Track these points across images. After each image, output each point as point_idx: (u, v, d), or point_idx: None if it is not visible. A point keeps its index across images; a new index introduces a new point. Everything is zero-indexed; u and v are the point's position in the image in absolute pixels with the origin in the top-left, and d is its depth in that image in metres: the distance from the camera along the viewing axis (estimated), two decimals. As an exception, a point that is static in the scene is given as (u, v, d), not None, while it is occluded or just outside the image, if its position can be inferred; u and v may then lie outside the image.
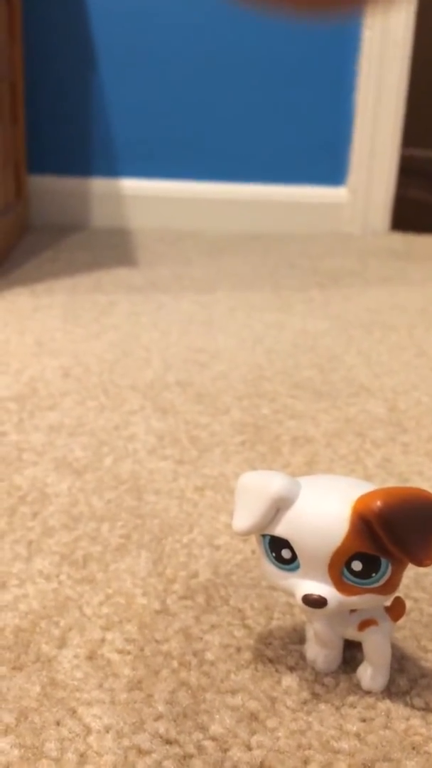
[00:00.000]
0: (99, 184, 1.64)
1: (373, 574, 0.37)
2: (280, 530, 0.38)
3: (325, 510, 0.37)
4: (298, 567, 0.38)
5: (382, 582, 0.37)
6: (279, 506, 0.38)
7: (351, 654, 0.42)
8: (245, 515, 0.39)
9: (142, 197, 1.65)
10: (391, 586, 0.37)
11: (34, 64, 1.58)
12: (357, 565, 0.37)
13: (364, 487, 0.38)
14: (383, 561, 0.37)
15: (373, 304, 1.13)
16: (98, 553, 0.51)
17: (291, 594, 0.38)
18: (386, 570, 0.37)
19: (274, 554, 0.38)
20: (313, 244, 1.55)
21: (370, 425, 0.72)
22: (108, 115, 1.62)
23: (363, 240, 1.62)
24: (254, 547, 0.52)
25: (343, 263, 1.39)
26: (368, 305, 1.12)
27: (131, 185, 1.65)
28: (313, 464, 0.64)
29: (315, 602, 0.37)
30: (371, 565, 0.37)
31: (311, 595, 0.37)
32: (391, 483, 0.61)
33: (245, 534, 0.39)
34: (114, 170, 1.65)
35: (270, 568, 0.39)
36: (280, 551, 0.38)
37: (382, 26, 1.59)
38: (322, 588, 0.37)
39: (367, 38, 1.60)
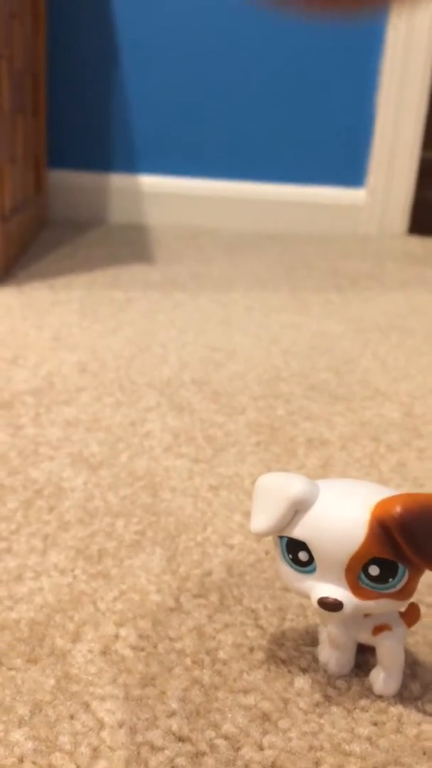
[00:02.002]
0: (118, 180, 1.65)
1: (390, 580, 0.37)
2: (298, 532, 0.38)
3: (344, 514, 0.37)
4: (314, 570, 0.38)
5: (398, 587, 0.37)
6: (298, 508, 0.38)
7: (363, 658, 0.42)
8: (263, 516, 0.39)
9: (160, 194, 1.65)
10: (407, 591, 0.37)
11: (57, 57, 1.58)
12: (374, 570, 0.37)
13: (383, 492, 0.38)
14: (401, 567, 0.37)
15: (391, 307, 1.13)
16: (113, 548, 0.52)
17: (306, 596, 0.38)
18: (403, 576, 0.37)
19: (290, 556, 0.39)
20: (331, 245, 1.55)
21: (386, 429, 0.72)
22: (129, 111, 1.63)
23: (381, 242, 1.62)
24: (268, 547, 0.53)
25: (360, 266, 1.39)
26: (386, 309, 1.12)
27: (150, 182, 1.65)
28: (328, 467, 0.64)
29: (331, 605, 0.37)
30: (388, 571, 0.37)
31: (327, 598, 0.37)
32: (406, 488, 0.61)
33: (263, 535, 0.39)
34: (133, 166, 1.65)
35: (286, 570, 0.39)
36: (297, 553, 0.38)
37: (405, 27, 1.59)
38: (339, 591, 0.37)
39: (391, 39, 1.59)
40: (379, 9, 0.19)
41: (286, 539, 0.39)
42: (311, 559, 0.38)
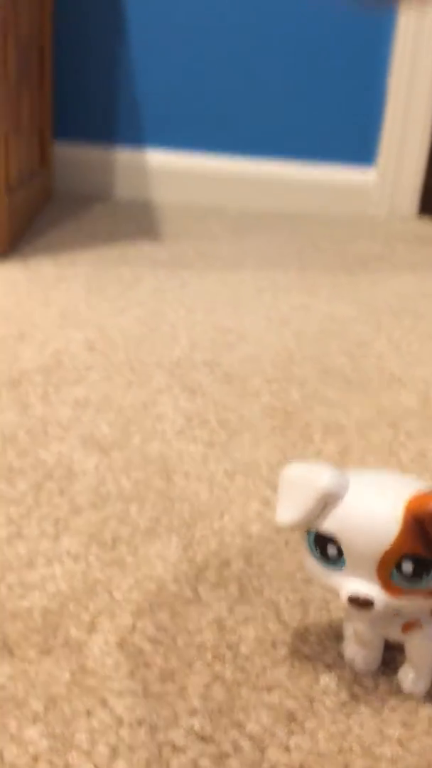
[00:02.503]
0: (124, 155, 1.61)
1: (424, 577, 0.35)
2: (327, 526, 0.36)
3: (376, 508, 0.35)
4: (343, 565, 0.36)
5: (433, 585, 0.35)
6: (327, 501, 0.36)
7: (391, 655, 0.41)
8: (290, 508, 0.37)
9: (167, 170, 1.62)
10: (442, 589, 0.36)
11: (63, 29, 1.54)
12: (408, 567, 0.35)
13: (417, 486, 0.36)
14: (436, 564, 0.35)
15: (402, 290, 1.11)
16: (127, 534, 0.50)
17: (335, 592, 0.37)
18: (439, 573, 0.35)
19: (318, 550, 0.37)
20: (340, 226, 1.53)
21: (403, 416, 0.70)
22: (136, 83, 1.59)
23: (390, 224, 1.59)
24: (288, 538, 0.51)
25: (370, 247, 1.36)
26: (397, 291, 1.10)
27: (157, 157, 1.62)
28: (346, 454, 0.63)
29: (362, 603, 0.35)
30: (422, 568, 0.35)
31: (358, 595, 0.35)
32: (428, 478, 0.59)
33: (289, 528, 0.37)
34: (140, 140, 1.62)
35: (313, 565, 0.37)
36: (326, 547, 0.36)
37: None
38: (369, 588, 0.36)
39: (404, 18, 1.56)
40: (391, 3, 0.16)
41: (314, 533, 0.37)
42: (340, 554, 0.36)
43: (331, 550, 0.36)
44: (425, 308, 1.03)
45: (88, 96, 1.59)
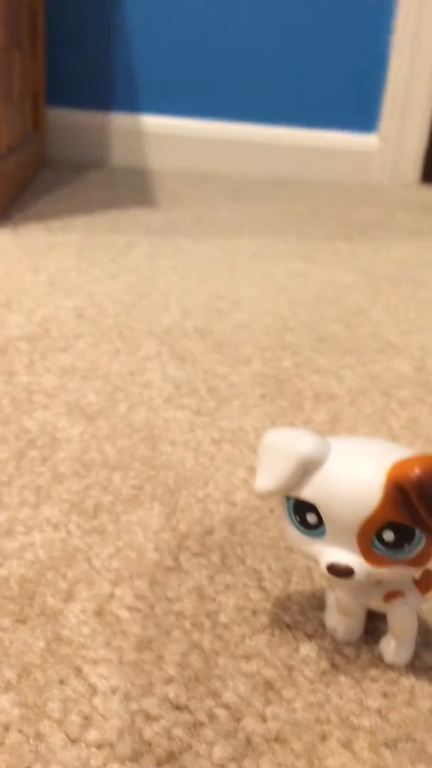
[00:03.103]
0: (119, 120, 1.58)
1: (406, 546, 0.34)
2: (307, 494, 0.35)
3: (357, 475, 0.34)
4: (323, 533, 0.35)
5: (414, 554, 0.34)
6: (307, 468, 0.35)
7: (373, 624, 0.40)
8: (269, 475, 0.36)
9: (163, 135, 1.59)
10: (423, 558, 0.35)
11: (57, -12, 1.51)
12: (389, 536, 0.34)
13: (399, 453, 0.35)
14: (417, 532, 0.34)
15: (402, 258, 1.09)
16: (109, 503, 0.49)
17: (315, 561, 0.36)
18: (420, 542, 0.34)
19: (298, 518, 0.36)
20: (340, 193, 1.50)
21: (396, 384, 0.69)
22: (132, 47, 1.55)
23: (392, 191, 1.56)
24: (272, 505, 0.50)
25: (371, 214, 1.34)
26: (397, 259, 1.08)
27: (152, 122, 1.59)
28: (336, 422, 0.61)
29: (341, 571, 0.34)
30: (404, 536, 0.34)
31: (337, 564, 0.34)
32: (418, 446, 0.58)
33: (268, 495, 0.36)
34: (135, 106, 1.59)
35: (293, 533, 0.36)
36: (305, 515, 0.35)
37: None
38: (349, 557, 0.35)
39: (410, -25, 1.51)
40: None
41: (293, 500, 0.36)
42: (320, 522, 0.35)
43: (311, 518, 0.35)
44: (425, 276, 1.01)
45: (83, 61, 1.56)
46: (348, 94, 1.61)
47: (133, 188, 1.38)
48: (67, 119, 1.57)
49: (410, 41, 1.55)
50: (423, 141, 1.62)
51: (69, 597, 0.41)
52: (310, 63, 1.57)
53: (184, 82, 1.58)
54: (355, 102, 1.62)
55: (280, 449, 0.36)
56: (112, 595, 0.41)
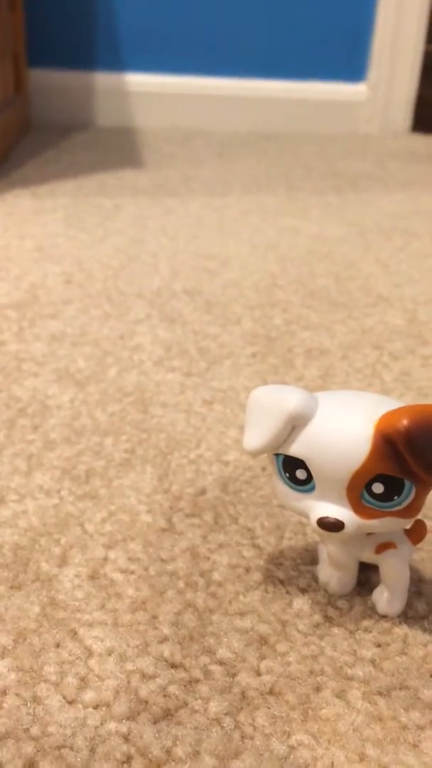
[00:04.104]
0: (103, 79, 1.55)
1: (395, 497, 0.34)
2: (295, 449, 0.35)
3: (344, 428, 0.34)
4: (313, 488, 0.35)
5: (404, 505, 0.34)
6: (294, 424, 0.35)
7: (366, 576, 0.40)
8: (257, 433, 0.36)
9: (148, 93, 1.56)
10: (413, 509, 0.35)
11: None
12: (378, 488, 0.34)
13: (388, 404, 0.35)
14: (407, 483, 0.34)
15: (393, 209, 1.07)
16: (101, 468, 0.49)
17: (305, 516, 0.36)
18: (409, 493, 0.34)
19: (287, 474, 0.36)
20: (330, 144, 1.47)
21: (388, 337, 0.68)
22: (113, 3, 1.51)
23: (382, 141, 1.54)
24: (265, 464, 0.50)
25: (361, 166, 1.32)
26: (388, 210, 1.06)
27: (137, 80, 1.55)
28: (328, 377, 0.61)
29: (331, 525, 0.34)
30: (393, 488, 0.34)
31: (327, 518, 0.34)
32: (410, 398, 0.58)
33: (257, 453, 0.36)
34: (119, 64, 1.55)
35: (283, 489, 0.36)
36: (295, 471, 0.35)
37: None
38: (339, 511, 0.34)
39: None
40: None
41: (282, 457, 0.36)
42: (310, 478, 0.35)
43: (301, 474, 0.35)
44: (416, 226, 1.00)
45: (64, 20, 1.52)
46: (336, 43, 1.57)
47: (119, 149, 1.36)
48: (50, 80, 1.54)
49: (397, -16, 1.51)
50: (412, 89, 1.58)
51: (63, 562, 0.41)
52: (295, 13, 1.53)
53: (168, 38, 1.54)
54: (342, 51, 1.58)
55: (267, 407, 0.36)
56: (105, 559, 0.41)
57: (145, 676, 0.34)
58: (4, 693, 0.33)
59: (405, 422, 0.32)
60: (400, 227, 0.99)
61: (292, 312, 0.73)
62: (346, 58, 1.58)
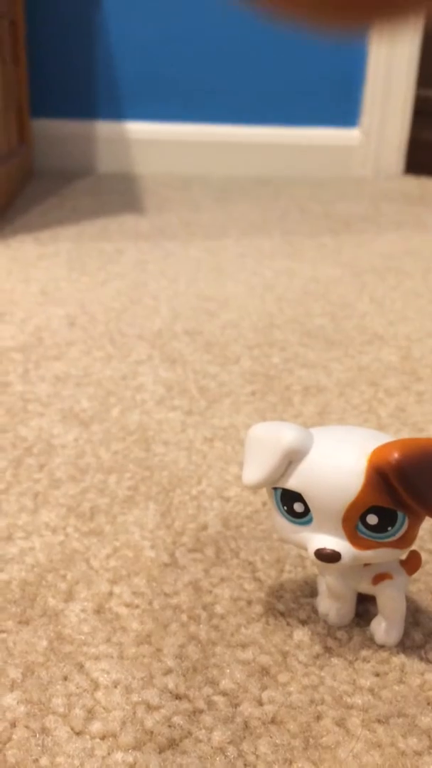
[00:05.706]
0: (104, 128, 1.60)
1: (389, 528, 0.35)
2: (293, 483, 0.36)
3: (339, 462, 0.35)
4: (310, 521, 0.36)
5: (398, 536, 0.35)
6: (291, 458, 0.36)
7: (364, 607, 0.41)
8: (256, 468, 0.37)
9: (148, 141, 1.61)
10: (407, 540, 0.36)
11: (37, 3, 1.52)
12: (372, 519, 0.35)
13: (379, 439, 0.36)
14: (400, 514, 0.35)
15: (387, 249, 1.10)
16: (105, 505, 0.50)
17: (303, 548, 0.37)
18: (403, 524, 0.35)
19: (285, 508, 0.37)
20: (324, 188, 1.51)
21: (384, 374, 0.70)
22: (113, 55, 1.57)
23: (375, 184, 1.58)
24: (265, 499, 0.51)
25: (355, 208, 1.35)
26: (381, 251, 1.09)
27: (137, 128, 1.60)
28: (325, 414, 0.63)
29: (328, 557, 0.36)
30: (387, 519, 0.35)
31: (324, 549, 0.36)
32: (405, 433, 0.60)
33: (255, 487, 0.37)
34: (120, 113, 1.60)
35: (282, 522, 0.38)
36: (292, 505, 0.37)
37: None
38: (336, 542, 0.36)
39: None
40: (361, 28, 0.16)
41: (280, 491, 0.37)
42: (307, 510, 0.36)
43: (298, 507, 0.37)
44: (409, 266, 1.03)
45: (65, 71, 1.57)
46: (329, 90, 1.62)
47: (120, 194, 1.40)
48: (52, 130, 1.59)
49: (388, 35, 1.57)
50: (404, 133, 1.63)
51: (69, 597, 0.42)
52: (289, 62, 1.59)
53: (166, 87, 1.59)
54: (335, 98, 1.63)
55: (265, 442, 0.37)
56: (110, 594, 0.42)
57: (150, 707, 0.35)
58: (14, 725, 0.34)
59: (396, 455, 0.34)
60: (393, 267, 1.02)
61: (289, 351, 0.75)
62: (340, 105, 1.63)
